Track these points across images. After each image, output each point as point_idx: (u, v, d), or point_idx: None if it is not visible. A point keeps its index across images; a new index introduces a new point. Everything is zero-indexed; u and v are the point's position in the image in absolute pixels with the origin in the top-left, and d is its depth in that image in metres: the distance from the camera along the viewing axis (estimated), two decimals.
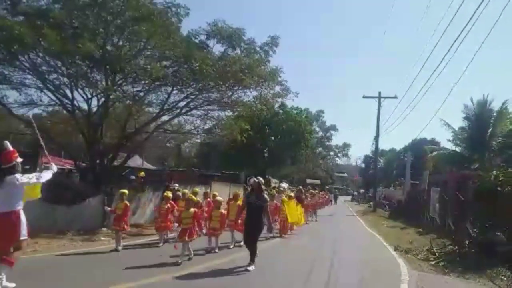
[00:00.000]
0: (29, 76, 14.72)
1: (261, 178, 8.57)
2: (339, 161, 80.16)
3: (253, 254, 7.99)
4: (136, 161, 27.06)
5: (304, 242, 13.28)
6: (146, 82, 15.29)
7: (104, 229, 13.17)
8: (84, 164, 18.32)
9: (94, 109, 16.23)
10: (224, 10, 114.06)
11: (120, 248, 9.59)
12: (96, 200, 14.05)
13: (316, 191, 33.33)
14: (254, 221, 8.04)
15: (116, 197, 13.60)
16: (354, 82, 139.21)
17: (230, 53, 16.34)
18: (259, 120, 32.95)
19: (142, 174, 19.81)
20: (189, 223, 8.48)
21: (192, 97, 17.13)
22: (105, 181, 15.31)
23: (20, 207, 5.60)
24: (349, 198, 66.58)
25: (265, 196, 8.40)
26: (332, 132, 63.63)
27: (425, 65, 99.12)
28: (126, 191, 10.47)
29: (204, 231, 10.06)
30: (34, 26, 12.19)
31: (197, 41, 15.80)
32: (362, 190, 69.25)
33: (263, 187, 8.56)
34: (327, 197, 41.39)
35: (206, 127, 20.76)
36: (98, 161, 16.31)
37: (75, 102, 15.64)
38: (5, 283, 5.47)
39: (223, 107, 18.51)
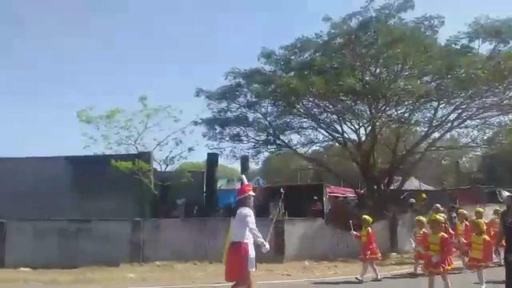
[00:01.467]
0: (305, 120, 17.24)
1: None
2: None
3: None
4: (412, 183, 26.17)
5: None
6: (409, 102, 15.01)
7: (394, 253, 13.10)
8: (362, 191, 19.25)
9: (363, 138, 17.03)
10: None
11: (379, 277, 9.03)
12: (379, 226, 14.36)
13: None
14: None
15: (399, 222, 13.52)
16: None
17: (501, 48, 14.05)
18: None
19: (424, 196, 18.92)
20: (436, 250, 6.89)
21: (463, 107, 15.48)
22: (384, 206, 15.56)
23: (247, 241, 5.59)
24: None
25: None
26: None
27: None
28: (368, 217, 9.66)
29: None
30: (303, 77, 14.27)
31: (458, 47, 14.42)
32: None
33: None
34: None
35: (485, 137, 18.12)
36: (375, 187, 16.83)
37: (345, 135, 16.99)
38: None
39: (504, 110, 15.75)
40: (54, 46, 73.79)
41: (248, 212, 5.70)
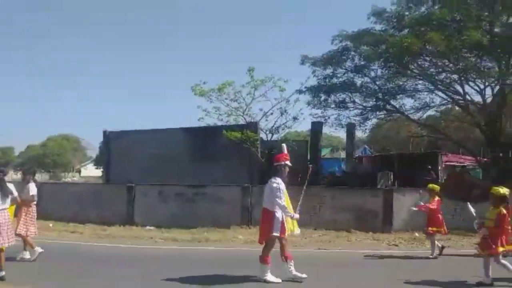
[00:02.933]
0: (420, 82, 15.78)
1: None
2: None
3: None
4: None
5: None
6: None
7: None
8: (485, 159, 17.30)
9: (489, 99, 15.08)
10: None
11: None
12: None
13: None
14: None
15: None
16: None
17: None
18: None
19: None
20: (491, 227, 6.09)
21: None
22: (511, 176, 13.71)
23: (274, 210, 5.79)
24: None
25: None
26: None
27: None
28: (435, 185, 8.45)
29: None
30: (419, 34, 12.93)
31: None
32: None
33: None
34: None
35: None
36: (501, 154, 14.93)
37: (467, 96, 15.18)
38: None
39: None
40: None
41: (278, 184, 5.82)
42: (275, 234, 5.79)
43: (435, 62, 14.41)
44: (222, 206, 11.79)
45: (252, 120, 14.47)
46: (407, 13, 14.56)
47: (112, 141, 17.68)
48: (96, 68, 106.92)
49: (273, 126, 15.04)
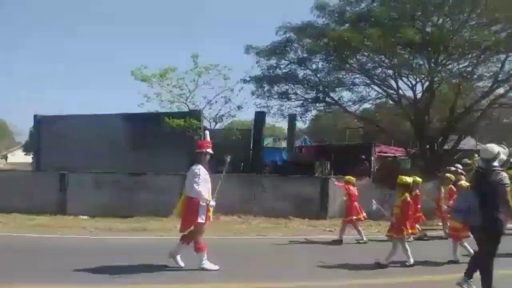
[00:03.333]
0: (358, 76, 16.49)
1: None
2: None
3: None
4: (468, 142, 24.77)
5: None
6: (474, 55, 13.80)
7: None
8: (414, 151, 18.55)
9: (419, 95, 16.14)
10: None
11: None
12: (429, 186, 13.83)
13: None
14: None
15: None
16: None
17: None
18: None
19: (477, 156, 17.86)
20: (397, 213, 6.65)
21: None
22: (436, 166, 14.88)
23: (195, 196, 5.69)
24: None
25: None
26: None
27: None
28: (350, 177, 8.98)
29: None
30: (358, 29, 13.45)
31: None
32: None
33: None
34: None
35: None
36: (427, 146, 16.09)
37: (400, 91, 16.12)
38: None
39: None
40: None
41: (198, 171, 5.78)
42: (200, 221, 5.72)
43: (372, 57, 15.09)
44: (162, 195, 11.47)
45: (196, 108, 14.26)
46: (348, 8, 15.05)
47: (44, 126, 16.47)
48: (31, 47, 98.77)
49: (217, 115, 14.95)
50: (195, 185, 5.70)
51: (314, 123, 28.51)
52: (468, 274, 4.93)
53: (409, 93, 16.23)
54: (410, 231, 6.64)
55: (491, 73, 15.26)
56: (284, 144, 26.14)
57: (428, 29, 13.98)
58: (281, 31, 15.67)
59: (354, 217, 8.54)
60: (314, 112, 19.52)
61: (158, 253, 6.23)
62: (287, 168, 16.64)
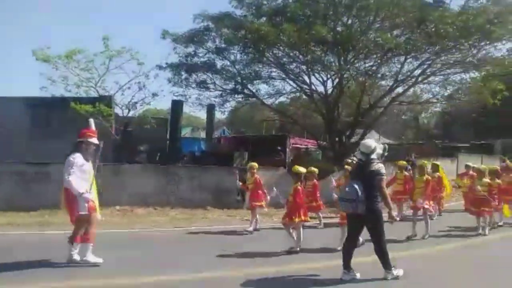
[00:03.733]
0: (274, 69, 16.96)
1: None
2: None
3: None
4: (373, 136, 27.09)
5: None
6: (378, 55, 15.00)
7: None
8: (324, 143, 19.71)
9: (330, 90, 17.10)
10: None
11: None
12: (337, 176, 14.82)
13: None
14: None
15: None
16: None
17: (472, 4, 14.13)
18: None
19: None
20: (291, 201, 6.92)
21: (428, 62, 15.73)
22: (344, 157, 15.97)
23: (67, 186, 5.42)
24: None
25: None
26: None
27: None
28: (254, 163, 9.10)
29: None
30: (275, 24, 13.80)
31: (431, 0, 14.37)
32: None
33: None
34: None
35: (446, 94, 18.73)
36: (337, 139, 17.17)
37: (313, 86, 16.92)
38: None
39: (467, 68, 16.20)
40: None
41: (73, 160, 5.49)
42: (82, 212, 5.43)
43: (288, 52, 15.58)
44: None
45: (106, 94, 13.51)
46: (265, 2, 15.33)
47: None
48: None
49: (130, 101, 14.37)
50: (66, 175, 5.39)
51: (233, 114, 28.77)
52: (346, 266, 5.23)
53: (321, 89, 17.12)
54: (303, 218, 6.75)
55: (392, 73, 16.78)
56: (203, 134, 26.00)
57: (339, 29, 14.83)
58: (198, 19, 15.49)
59: (258, 203, 8.58)
60: (232, 103, 19.73)
61: (60, 249, 5.77)
62: (206, 158, 16.63)
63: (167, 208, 11.29)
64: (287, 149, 21.07)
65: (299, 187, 6.90)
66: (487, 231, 8.37)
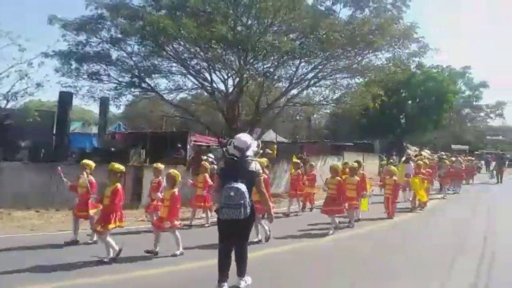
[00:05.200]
0: (174, 64, 16.52)
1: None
2: (491, 122, 69.79)
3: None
4: (270, 135, 28.26)
5: None
6: (275, 57, 15.60)
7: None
8: (225, 141, 19.92)
9: (231, 89, 17.28)
10: None
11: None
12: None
13: (463, 158, 25.44)
14: None
15: None
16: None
17: (358, 15, 15.59)
18: (393, 84, 30.71)
19: (275, 147, 20.79)
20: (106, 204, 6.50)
21: (320, 67, 16.91)
22: None
23: None
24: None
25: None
26: (482, 90, 54.88)
27: None
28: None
29: None
30: (175, 18, 13.46)
31: (323, 8, 15.46)
32: None
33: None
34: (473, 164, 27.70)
35: (335, 97, 20.39)
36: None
37: (214, 84, 16.90)
38: None
39: (353, 74, 17.87)
40: None
41: None
42: None
43: (188, 48, 15.33)
44: None
45: None
46: None
47: None
48: None
49: (9, 91, 12.83)
50: None
51: (130, 109, 27.44)
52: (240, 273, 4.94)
53: (222, 87, 17.20)
54: (118, 224, 6.27)
55: (288, 76, 17.65)
56: (95, 129, 24.35)
57: (239, 28, 15.07)
58: (92, 6, 14.39)
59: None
60: (129, 97, 18.71)
61: None
62: (98, 155, 15.59)
63: (52, 211, 10.41)
64: (188, 146, 20.86)
65: (119, 188, 6.32)
66: (331, 231, 8.47)
